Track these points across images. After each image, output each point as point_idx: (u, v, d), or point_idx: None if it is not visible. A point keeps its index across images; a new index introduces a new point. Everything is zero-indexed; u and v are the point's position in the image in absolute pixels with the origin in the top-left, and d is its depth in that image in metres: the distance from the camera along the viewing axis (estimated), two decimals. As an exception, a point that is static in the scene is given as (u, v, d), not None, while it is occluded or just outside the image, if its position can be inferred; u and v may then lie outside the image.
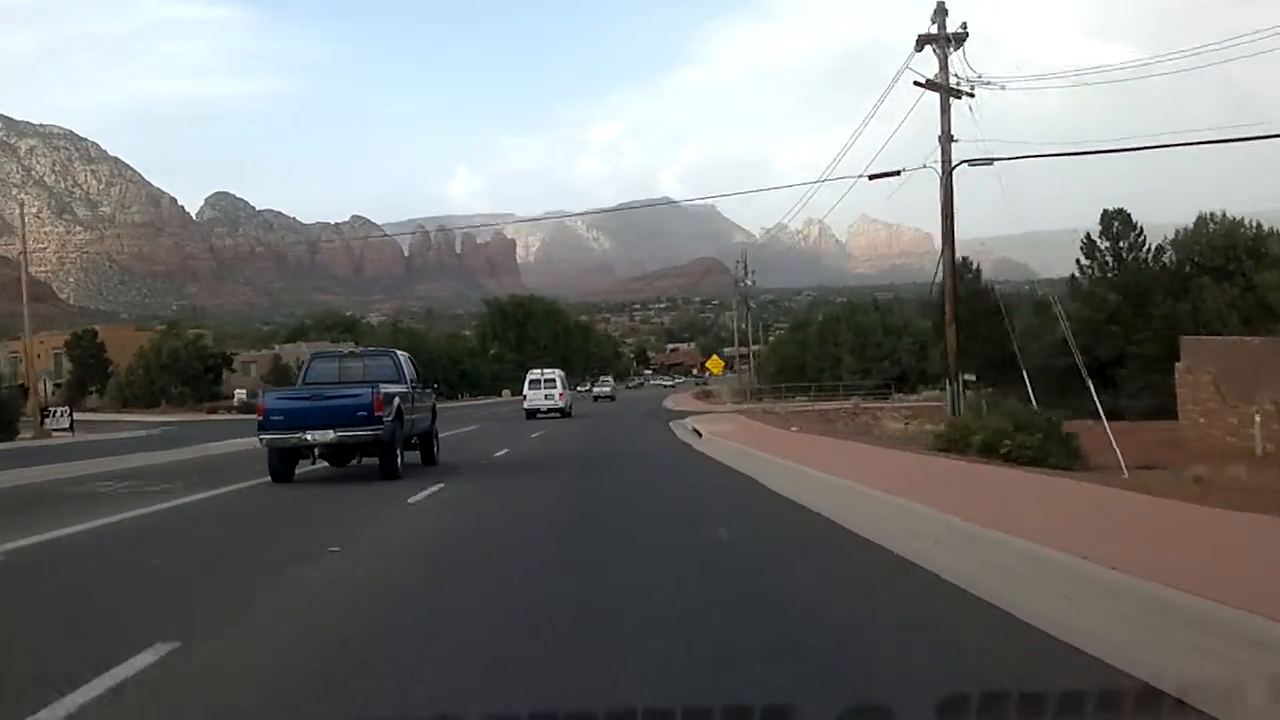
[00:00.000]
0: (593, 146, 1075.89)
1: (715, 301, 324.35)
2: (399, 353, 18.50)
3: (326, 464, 16.72)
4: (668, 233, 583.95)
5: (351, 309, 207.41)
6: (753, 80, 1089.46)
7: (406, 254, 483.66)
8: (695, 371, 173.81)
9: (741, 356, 64.90)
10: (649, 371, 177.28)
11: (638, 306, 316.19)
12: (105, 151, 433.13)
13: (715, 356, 68.09)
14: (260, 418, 15.35)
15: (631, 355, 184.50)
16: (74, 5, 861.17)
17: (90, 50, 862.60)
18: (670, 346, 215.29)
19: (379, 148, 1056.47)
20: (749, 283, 63.52)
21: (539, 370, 45.82)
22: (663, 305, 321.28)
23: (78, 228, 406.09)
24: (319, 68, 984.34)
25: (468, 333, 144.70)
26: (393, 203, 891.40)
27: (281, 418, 15.15)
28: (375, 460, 15.79)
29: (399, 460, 15.63)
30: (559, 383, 44.01)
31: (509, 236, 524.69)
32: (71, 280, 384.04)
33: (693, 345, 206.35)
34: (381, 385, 15.53)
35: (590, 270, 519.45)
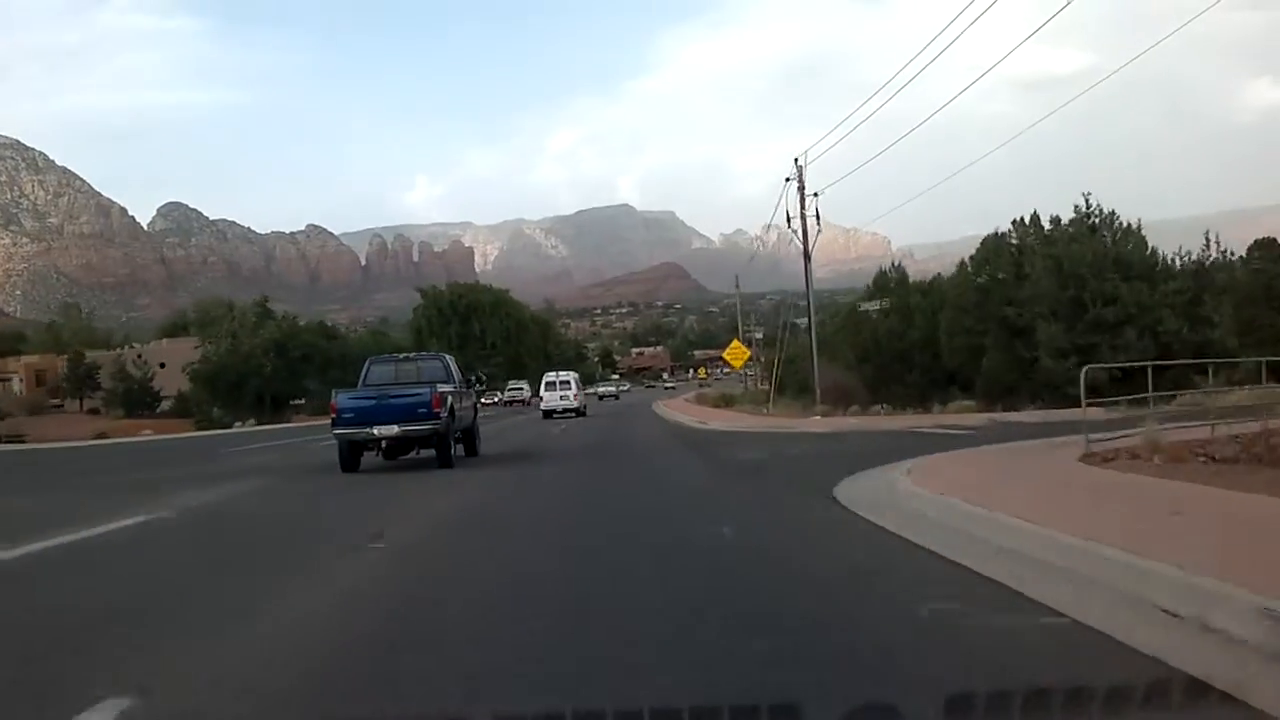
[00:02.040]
0: (550, 154, 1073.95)
1: (678, 305, 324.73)
2: (447, 356, 21.07)
3: (382, 458, 18.32)
4: (627, 239, 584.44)
5: (306, 319, 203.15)
6: (708, 88, 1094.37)
7: (364, 263, 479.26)
8: (692, 373, 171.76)
9: (760, 358, 59.85)
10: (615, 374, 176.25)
11: (598, 312, 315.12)
12: (53, 161, 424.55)
13: (736, 343, 50.26)
14: (334, 415, 17.51)
15: (596, 359, 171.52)
16: (25, 15, 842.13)
17: (41, 60, 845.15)
18: (635, 350, 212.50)
19: (336, 157, 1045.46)
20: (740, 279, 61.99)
21: (554, 373, 49.51)
22: (624, 310, 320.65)
23: (24, 239, 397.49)
24: (275, 77, 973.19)
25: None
26: (350, 212, 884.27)
27: (352, 415, 17.22)
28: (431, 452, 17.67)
29: (452, 451, 17.73)
30: (574, 384, 47.14)
31: (467, 244, 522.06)
32: (18, 293, 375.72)
33: (660, 348, 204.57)
34: (437, 385, 17.61)
35: (549, 277, 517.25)
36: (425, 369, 19.44)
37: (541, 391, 47.51)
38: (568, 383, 46.61)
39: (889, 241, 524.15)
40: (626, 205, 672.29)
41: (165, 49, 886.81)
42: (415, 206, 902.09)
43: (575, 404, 45.41)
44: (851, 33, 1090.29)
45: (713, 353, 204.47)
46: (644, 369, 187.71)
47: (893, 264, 55.58)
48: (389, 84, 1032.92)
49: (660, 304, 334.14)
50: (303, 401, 72.01)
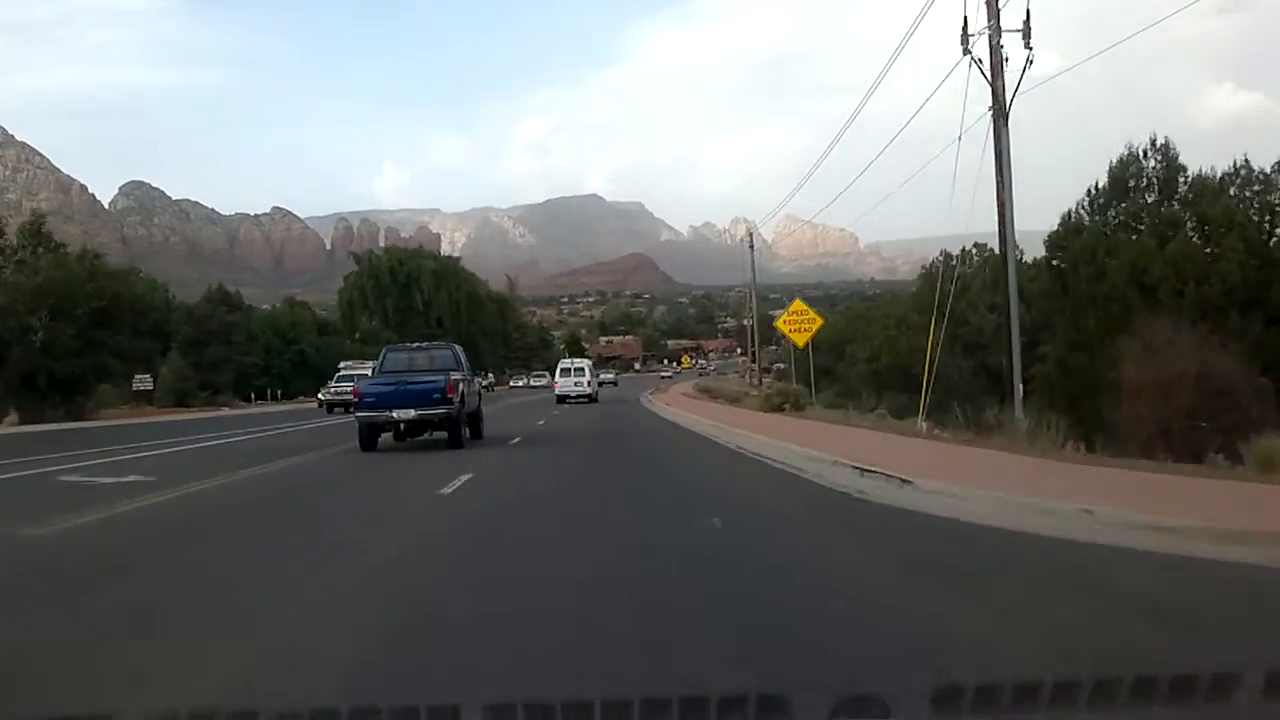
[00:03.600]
0: (519, 143, 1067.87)
1: (646, 295, 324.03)
2: (457, 346, 22.53)
3: (393, 438, 19.69)
4: (595, 230, 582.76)
5: (269, 302, 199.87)
6: (678, 81, 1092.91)
7: (329, 247, 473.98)
8: (669, 362, 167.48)
9: (737, 348, 61.29)
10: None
11: (565, 300, 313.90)
12: (12, 136, 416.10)
13: (799, 304, 33.01)
14: (356, 400, 19.25)
15: (562, 345, 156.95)
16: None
17: (5, 36, 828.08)
18: (604, 338, 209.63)
19: (304, 141, 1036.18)
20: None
21: (569, 360, 53.02)
22: (591, 299, 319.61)
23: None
24: (245, 59, 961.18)
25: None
26: (317, 196, 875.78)
27: (373, 399, 18.76)
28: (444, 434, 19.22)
29: (463, 433, 19.32)
30: (587, 371, 50.31)
31: (434, 231, 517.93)
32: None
33: (631, 337, 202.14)
34: (450, 372, 19.16)
35: (516, 266, 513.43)
36: (437, 358, 20.73)
37: (556, 378, 50.11)
38: (582, 370, 50.01)
39: (856, 238, 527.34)
40: (595, 196, 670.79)
41: (133, 27, 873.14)
42: (382, 192, 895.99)
43: (589, 390, 47.91)
44: (821, 28, 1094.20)
45: (686, 342, 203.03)
46: (614, 357, 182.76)
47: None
48: (358, 69, 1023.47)
49: (629, 294, 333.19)
50: (112, 384, 51.22)
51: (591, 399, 46.95)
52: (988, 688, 3.62)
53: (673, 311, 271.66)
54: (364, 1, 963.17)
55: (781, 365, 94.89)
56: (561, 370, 50.43)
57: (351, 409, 20.11)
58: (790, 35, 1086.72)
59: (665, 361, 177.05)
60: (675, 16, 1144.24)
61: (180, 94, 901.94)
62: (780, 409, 27.49)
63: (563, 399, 46.52)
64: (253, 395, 69.59)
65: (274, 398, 71.52)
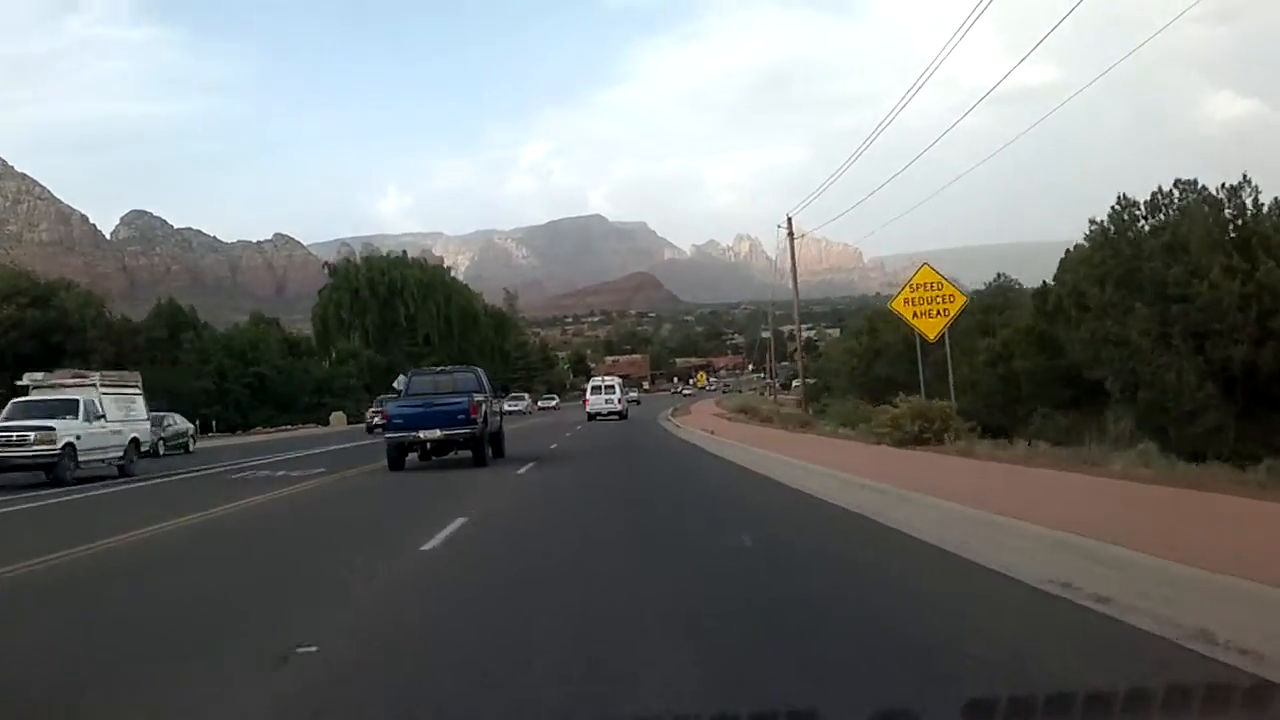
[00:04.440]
0: (522, 165, 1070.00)
1: (652, 314, 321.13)
2: (479, 369, 23.83)
3: (419, 458, 20.47)
4: (598, 250, 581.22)
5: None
6: (678, 100, 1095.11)
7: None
8: (679, 381, 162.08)
9: (749, 365, 59.04)
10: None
11: (569, 320, 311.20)
12: (12, 168, 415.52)
13: (927, 270, 22.20)
14: (384, 421, 20.61)
15: (567, 365, 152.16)
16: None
17: (5, 69, 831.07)
18: (610, 358, 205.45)
19: (307, 167, 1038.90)
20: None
21: (600, 378, 55.20)
22: (596, 319, 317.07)
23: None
24: (246, 87, 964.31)
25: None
26: (319, 222, 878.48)
27: (401, 421, 19.86)
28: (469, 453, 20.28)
29: (486, 451, 20.34)
30: (618, 389, 51.69)
31: (437, 254, 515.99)
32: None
33: (639, 356, 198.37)
34: (473, 394, 20.35)
35: (520, 287, 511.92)
36: (460, 380, 21.87)
37: (588, 395, 51.77)
38: (612, 387, 51.71)
39: (860, 253, 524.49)
40: (598, 215, 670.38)
41: (133, 58, 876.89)
42: (386, 216, 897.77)
43: (619, 407, 49.10)
44: (820, 46, 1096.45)
45: (695, 360, 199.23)
46: (623, 376, 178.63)
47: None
48: (359, 94, 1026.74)
49: (634, 313, 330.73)
50: None
51: (622, 416, 47.68)
52: (1019, 700, 3.55)
53: (679, 329, 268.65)
54: (364, 28, 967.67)
55: (811, 380, 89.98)
56: (592, 388, 52.22)
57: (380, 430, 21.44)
58: (789, 52, 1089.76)
59: (675, 380, 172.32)
60: (675, 37, 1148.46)
61: (181, 123, 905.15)
62: (920, 440, 17.45)
63: (593, 416, 47.29)
64: (196, 427, 44.37)
65: (229, 429, 56.85)
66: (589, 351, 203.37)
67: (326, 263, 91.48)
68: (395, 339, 79.14)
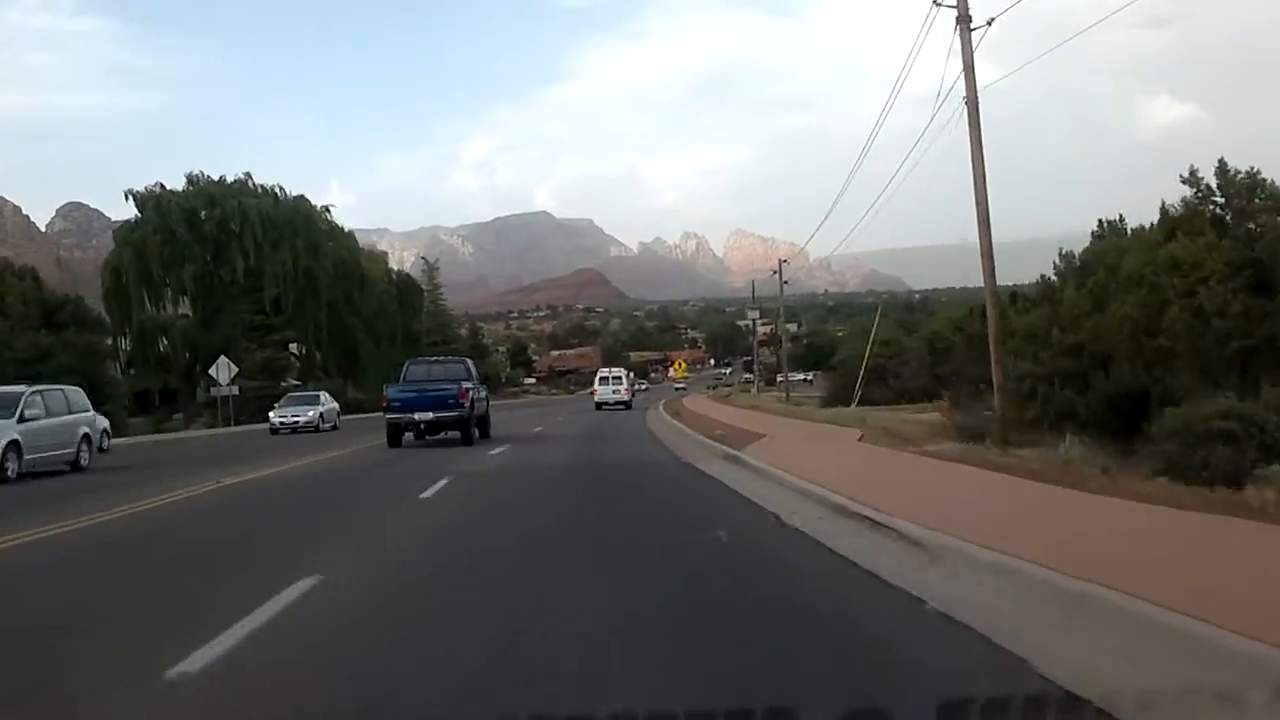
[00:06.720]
0: (467, 162, 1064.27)
1: (599, 309, 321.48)
2: (468, 359, 27.71)
3: (414, 437, 23.35)
4: (544, 247, 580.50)
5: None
6: (625, 98, 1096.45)
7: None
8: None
9: (710, 359, 61.13)
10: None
11: (514, 315, 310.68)
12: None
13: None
14: (385, 404, 23.10)
15: (505, 358, 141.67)
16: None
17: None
18: (555, 351, 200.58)
19: (249, 162, 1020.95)
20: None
21: (607, 369, 57.39)
22: (542, 314, 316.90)
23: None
24: (187, 81, 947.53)
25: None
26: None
27: (399, 404, 22.71)
28: (457, 433, 23.12)
29: (474, 432, 23.28)
30: (624, 380, 53.86)
31: (382, 250, 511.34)
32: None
33: (589, 348, 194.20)
34: (462, 382, 23.35)
35: (465, 284, 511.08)
36: (451, 370, 25.06)
37: (595, 386, 54.11)
38: (619, 378, 53.55)
39: (806, 252, 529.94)
40: (544, 212, 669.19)
41: (75, 50, 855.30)
42: (330, 212, 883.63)
43: (625, 397, 50.94)
44: (761, 47, 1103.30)
45: (649, 355, 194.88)
46: (570, 371, 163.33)
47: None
48: (303, 90, 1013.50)
49: (580, 308, 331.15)
50: None
51: (627, 405, 49.32)
52: (996, 701, 3.43)
53: (629, 324, 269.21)
54: (306, 24, 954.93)
55: (807, 377, 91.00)
56: (600, 379, 54.25)
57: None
58: (734, 52, 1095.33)
59: (630, 374, 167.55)
60: (622, 35, 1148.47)
61: (121, 115, 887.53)
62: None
63: (600, 406, 49.12)
64: None
65: None
66: (533, 345, 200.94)
67: (130, 190, 60.98)
68: (226, 304, 56.11)
